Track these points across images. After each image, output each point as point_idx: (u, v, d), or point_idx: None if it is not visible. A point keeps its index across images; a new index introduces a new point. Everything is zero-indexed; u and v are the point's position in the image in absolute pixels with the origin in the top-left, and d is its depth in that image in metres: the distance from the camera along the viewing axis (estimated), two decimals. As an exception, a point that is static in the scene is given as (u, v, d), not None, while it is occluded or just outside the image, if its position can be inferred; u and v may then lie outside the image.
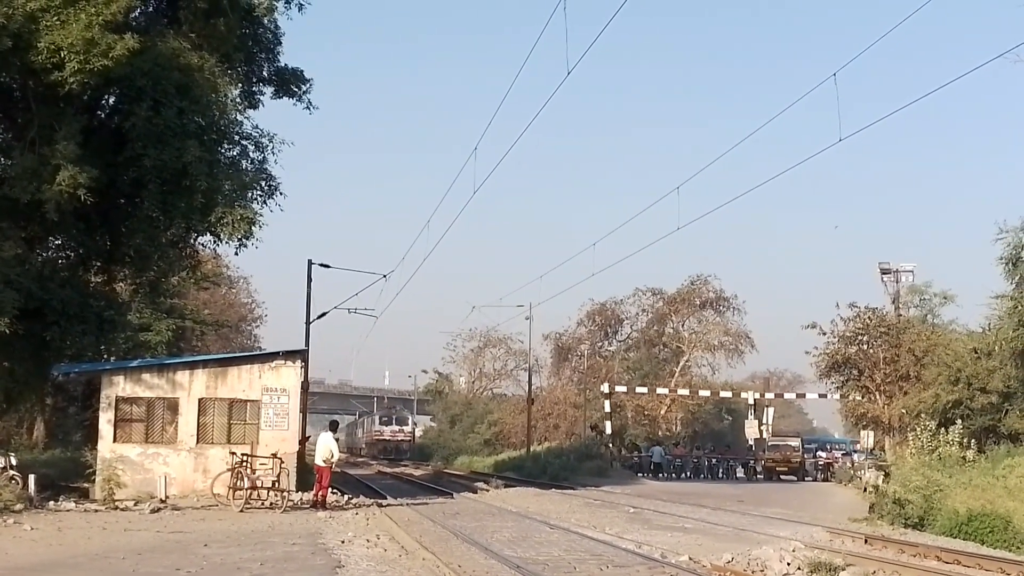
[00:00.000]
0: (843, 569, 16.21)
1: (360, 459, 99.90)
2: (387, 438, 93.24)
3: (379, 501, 32.16)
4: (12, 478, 28.22)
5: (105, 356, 33.70)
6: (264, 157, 31.57)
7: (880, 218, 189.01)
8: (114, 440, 30.28)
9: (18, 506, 26.13)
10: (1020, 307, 35.10)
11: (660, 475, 59.37)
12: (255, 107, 33.77)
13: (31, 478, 28.63)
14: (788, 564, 16.85)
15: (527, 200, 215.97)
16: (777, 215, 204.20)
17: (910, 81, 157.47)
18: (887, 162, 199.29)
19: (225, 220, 29.46)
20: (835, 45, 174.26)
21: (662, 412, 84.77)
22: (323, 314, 48.10)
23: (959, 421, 37.47)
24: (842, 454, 67.44)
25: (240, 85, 32.04)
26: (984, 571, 17.60)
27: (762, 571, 16.51)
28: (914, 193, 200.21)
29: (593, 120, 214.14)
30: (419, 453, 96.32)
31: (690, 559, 17.60)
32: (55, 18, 25.05)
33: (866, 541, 21.85)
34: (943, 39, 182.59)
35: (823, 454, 68.34)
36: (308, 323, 46.16)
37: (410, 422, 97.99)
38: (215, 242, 33.06)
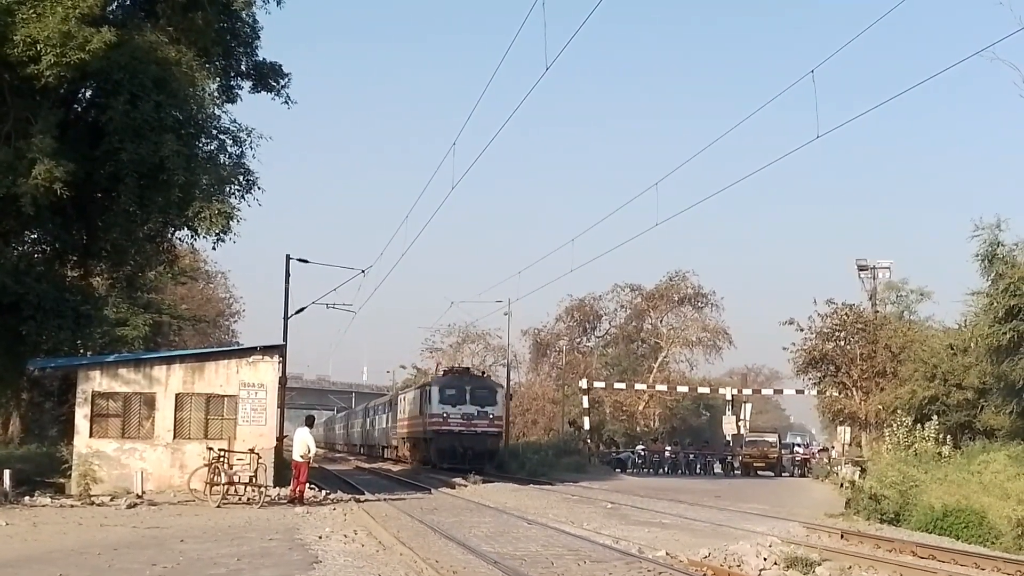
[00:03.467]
0: (819, 564, 16.29)
1: (378, 462, 70.95)
2: (455, 428, 52.90)
3: (357, 496, 32.11)
4: (-14, 474, 28.20)
5: (81, 351, 33.54)
6: (242, 151, 31.53)
7: (857, 215, 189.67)
8: (90, 435, 30.16)
9: (-8, 502, 26.11)
10: (996, 304, 35.32)
11: (632, 470, 59.82)
12: (233, 101, 33.72)
13: (6, 473, 28.53)
14: (764, 559, 16.92)
15: (506, 195, 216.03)
16: (755, 212, 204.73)
17: (887, 78, 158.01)
18: (864, 159, 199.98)
19: (203, 215, 29.39)
20: (813, 42, 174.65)
21: (640, 408, 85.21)
22: (301, 309, 48.14)
23: (935, 417, 37.70)
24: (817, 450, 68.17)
25: (218, 79, 31.95)
26: (959, 566, 17.69)
27: (739, 566, 16.56)
28: (891, 190, 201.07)
29: (571, 116, 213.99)
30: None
31: (667, 554, 17.66)
32: (31, 11, 24.94)
33: (842, 536, 21.96)
34: (920, 36, 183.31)
35: (800, 449, 68.92)
36: (286, 318, 46.19)
37: (499, 398, 56.27)
38: (192, 237, 32.98)
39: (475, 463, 50.43)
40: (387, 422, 72.48)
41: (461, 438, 52.26)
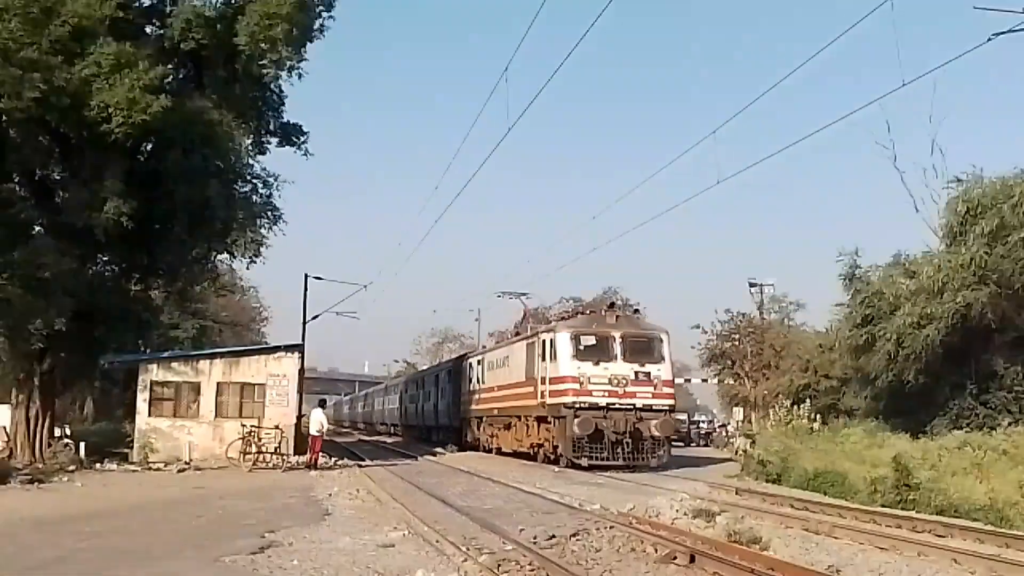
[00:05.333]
0: (719, 514, 16.36)
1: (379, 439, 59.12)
2: (601, 400, 27.52)
3: (360, 463, 32.06)
4: (67, 445, 28.17)
5: (142, 349, 33.36)
6: (270, 193, 31.23)
7: (750, 241, 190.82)
8: (149, 415, 30.19)
9: (72, 467, 26.09)
10: (854, 313, 35.97)
11: None
12: (263, 153, 33.32)
13: (82, 445, 28.51)
14: (676, 511, 16.98)
15: (478, 225, 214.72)
16: (672, 238, 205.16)
17: (782, 132, 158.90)
18: (755, 197, 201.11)
19: (239, 242, 29.48)
20: (714, 108, 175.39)
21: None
22: (316, 316, 47.86)
23: (808, 400, 38.20)
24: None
25: (251, 136, 31.75)
26: (826, 515, 17.83)
27: (656, 516, 16.62)
28: (775, 220, 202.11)
29: (532, 166, 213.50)
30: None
31: (601, 507, 17.69)
32: (104, 82, 24.84)
33: (737, 492, 22.06)
34: (803, 100, 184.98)
35: (704, 425, 69.26)
36: (304, 323, 45.99)
37: (666, 351, 29.45)
38: (231, 259, 32.85)
39: (634, 456, 27.41)
40: (442, 396, 48.17)
41: (612, 417, 27.12)
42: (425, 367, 70.29)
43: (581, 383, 27.02)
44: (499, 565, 11.18)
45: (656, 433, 27.45)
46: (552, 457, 29.26)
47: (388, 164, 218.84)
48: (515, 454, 32.91)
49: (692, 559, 12.08)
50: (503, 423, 34.54)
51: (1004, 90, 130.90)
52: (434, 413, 51.08)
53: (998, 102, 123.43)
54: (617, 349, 27.89)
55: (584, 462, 26.83)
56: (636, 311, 27.63)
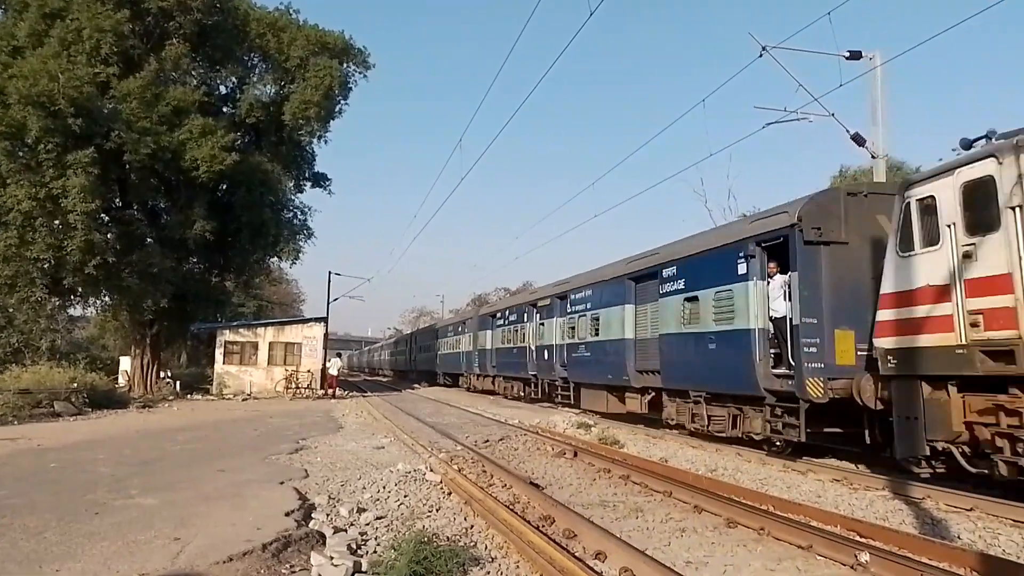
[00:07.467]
0: (594, 426, 16.60)
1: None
2: None
3: (363, 394, 31.72)
4: (168, 382, 27.52)
5: (219, 319, 32.59)
6: (305, 218, 30.78)
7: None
8: (223, 363, 29.43)
9: (171, 397, 25.52)
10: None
11: None
12: (301, 191, 32.66)
13: (178, 383, 27.87)
14: (567, 424, 17.18)
15: (446, 236, 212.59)
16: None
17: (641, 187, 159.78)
18: (629, 225, 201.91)
19: (285, 250, 29.07)
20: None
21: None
22: (336, 299, 47.44)
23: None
24: None
25: (293, 180, 31.20)
26: (657, 429, 18.08)
27: (554, 427, 16.80)
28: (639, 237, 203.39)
29: (481, 207, 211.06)
30: None
31: (519, 422, 17.83)
32: (195, 143, 24.29)
33: (602, 416, 22.13)
34: (651, 165, 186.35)
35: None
36: (328, 303, 45.05)
37: None
38: (279, 261, 32.34)
39: None
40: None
41: None
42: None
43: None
44: (452, 459, 11.21)
45: None
46: None
47: (388, 193, 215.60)
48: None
49: (575, 454, 12.25)
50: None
51: (774, 157, 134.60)
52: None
53: (769, 166, 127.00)
54: None
55: None
56: None
